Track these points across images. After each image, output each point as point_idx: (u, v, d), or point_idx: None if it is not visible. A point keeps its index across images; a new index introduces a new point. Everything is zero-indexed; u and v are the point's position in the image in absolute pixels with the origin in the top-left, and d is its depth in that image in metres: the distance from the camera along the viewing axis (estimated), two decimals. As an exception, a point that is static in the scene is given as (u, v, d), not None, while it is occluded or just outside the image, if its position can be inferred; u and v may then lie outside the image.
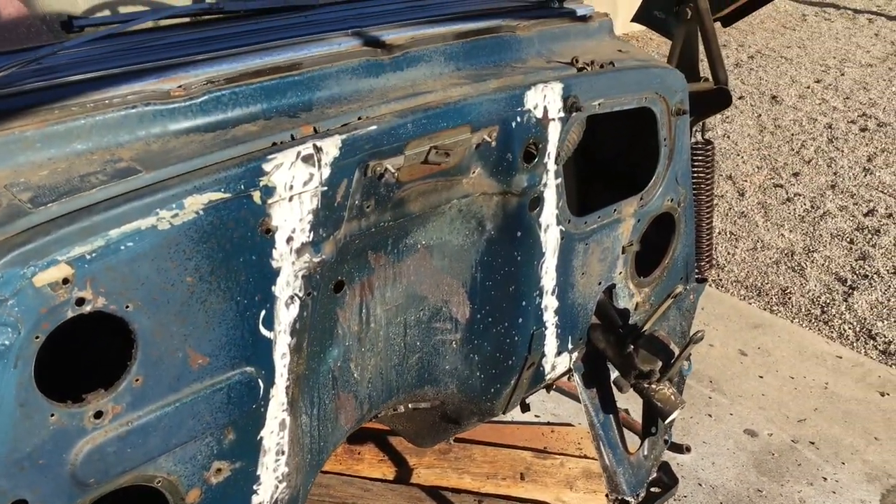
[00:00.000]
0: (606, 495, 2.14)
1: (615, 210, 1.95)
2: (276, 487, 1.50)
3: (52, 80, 1.26)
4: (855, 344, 4.08)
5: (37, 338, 1.08)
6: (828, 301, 4.40)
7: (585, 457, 3.06)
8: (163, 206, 1.15)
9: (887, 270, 4.67)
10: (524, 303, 1.85)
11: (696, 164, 2.17)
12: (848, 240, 4.99)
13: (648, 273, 2.17)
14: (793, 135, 6.51)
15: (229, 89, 1.33)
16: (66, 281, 1.08)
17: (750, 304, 4.39)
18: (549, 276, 1.86)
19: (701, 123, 2.23)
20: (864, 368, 3.87)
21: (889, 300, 4.40)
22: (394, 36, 1.62)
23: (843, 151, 6.20)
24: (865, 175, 5.83)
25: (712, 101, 2.09)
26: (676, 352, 1.93)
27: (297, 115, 1.37)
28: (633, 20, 2.33)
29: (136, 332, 1.18)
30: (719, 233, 5.08)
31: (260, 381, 1.38)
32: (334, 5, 1.74)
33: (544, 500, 2.93)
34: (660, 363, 1.96)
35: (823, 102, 7.25)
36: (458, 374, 1.90)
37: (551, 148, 1.70)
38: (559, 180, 1.77)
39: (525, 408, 2.57)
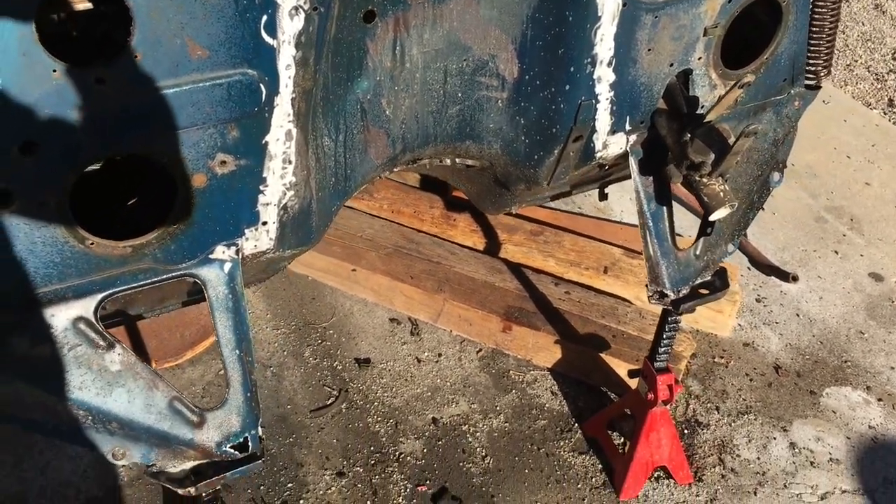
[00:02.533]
0: (646, 285, 2.13)
1: (699, -17, 1.80)
2: (284, 194, 1.63)
3: None
4: None
5: (33, -5, 1.22)
6: None
7: (676, 263, 3.00)
8: None
9: None
10: (572, 69, 1.79)
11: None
12: None
13: (741, 66, 2.01)
14: None
15: None
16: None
17: (932, 149, 3.94)
18: (604, 45, 1.78)
19: None
20: None
21: None
22: None
23: None
24: None
25: None
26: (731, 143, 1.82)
27: None
28: None
29: (132, 8, 1.29)
30: (927, 69, 4.49)
31: (262, 86, 1.47)
32: None
33: (623, 295, 2.96)
34: (712, 156, 1.86)
35: None
36: (503, 135, 1.90)
37: None
38: (625, -67, 1.65)
39: (603, 196, 2.54)
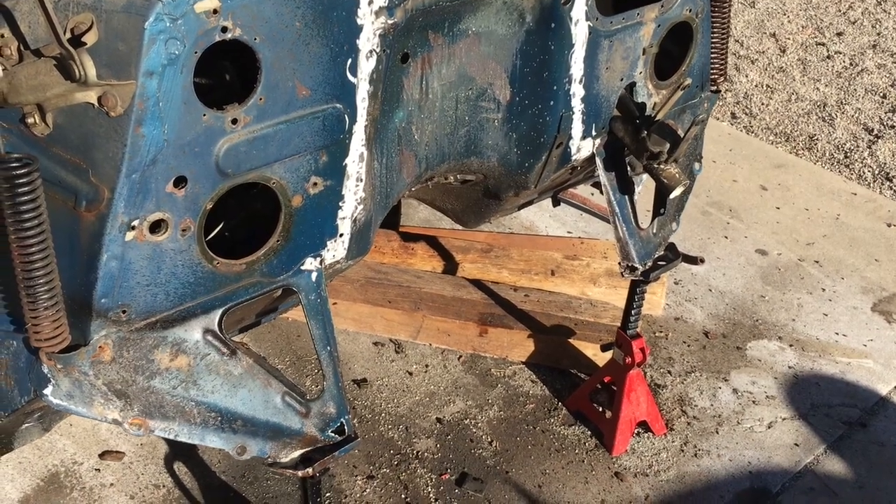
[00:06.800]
0: (619, 263, 2.58)
1: (638, 14, 2.29)
2: (356, 208, 1.95)
3: None
4: (872, 185, 4.40)
5: (196, 52, 1.50)
6: (852, 147, 4.69)
7: (609, 260, 3.50)
8: (281, -39, 1.55)
9: (914, 123, 4.91)
10: (555, 87, 2.23)
11: (714, -21, 2.49)
12: (881, 94, 5.21)
13: (666, 78, 2.52)
14: (842, -3, 6.59)
15: None
16: (215, 11, 1.49)
17: (777, 147, 4.71)
18: (577, 66, 2.23)
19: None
20: (875, 204, 4.20)
21: (911, 149, 4.68)
22: None
23: (889, 14, 6.29)
24: (909, 36, 5.95)
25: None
26: (682, 135, 2.31)
27: None
28: None
29: (261, 60, 1.60)
30: (756, 85, 5.32)
31: (346, 116, 1.80)
32: None
33: (571, 292, 3.41)
34: (668, 145, 2.34)
35: (879, -34, 7.24)
36: (499, 149, 2.30)
37: (583, -51, 2.04)
38: (589, -20, 2.12)
39: (556, 202, 2.99)
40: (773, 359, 3.26)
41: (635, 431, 2.90)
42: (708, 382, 3.14)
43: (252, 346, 3.15)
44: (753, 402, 3.07)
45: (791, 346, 3.33)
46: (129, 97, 1.45)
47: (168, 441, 2.76)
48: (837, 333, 3.39)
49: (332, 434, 1.98)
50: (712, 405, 3.05)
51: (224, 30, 1.53)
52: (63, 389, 1.63)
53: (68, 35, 1.40)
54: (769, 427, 2.98)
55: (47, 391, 1.63)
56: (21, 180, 1.40)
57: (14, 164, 1.40)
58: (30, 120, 1.46)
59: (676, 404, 3.04)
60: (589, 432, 2.91)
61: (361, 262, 3.40)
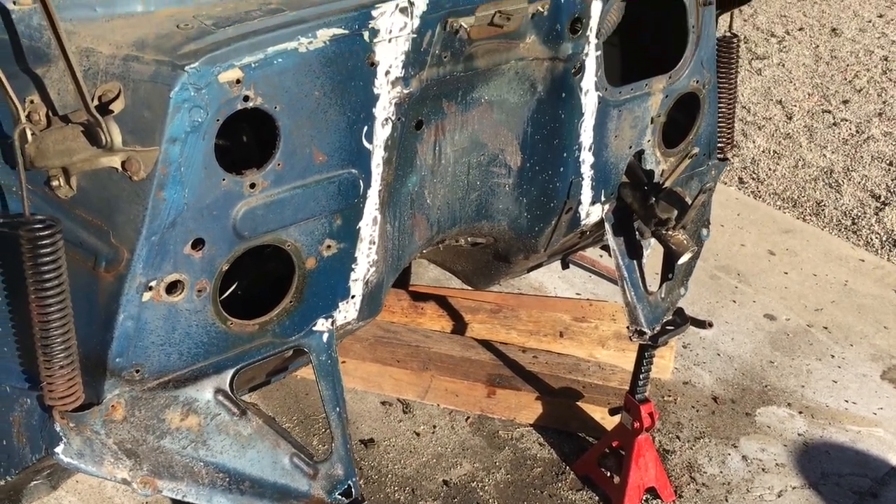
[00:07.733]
0: (627, 327, 2.59)
1: (646, 84, 2.35)
2: (368, 270, 1.98)
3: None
4: (880, 251, 4.41)
5: (218, 120, 1.55)
6: (859, 214, 4.72)
7: (617, 323, 3.51)
8: (302, 34, 1.60)
9: (921, 190, 4.95)
10: (565, 154, 2.27)
11: (721, 53, 2.55)
12: (888, 162, 5.26)
13: (674, 146, 2.57)
14: (848, 65, 6.69)
15: None
16: (238, 81, 1.55)
17: (784, 213, 4.74)
18: (587, 134, 2.28)
19: (730, 17, 2.60)
20: (884, 271, 4.21)
21: (919, 216, 4.70)
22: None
23: (895, 82, 6.38)
24: (914, 105, 6.03)
25: (736, -5, 2.46)
26: (690, 202, 2.35)
27: None
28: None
29: (280, 128, 1.65)
30: (763, 151, 5.39)
31: (361, 181, 1.84)
32: None
33: (579, 355, 3.41)
34: (676, 212, 2.37)
35: (883, 36, 7.36)
36: (509, 213, 2.34)
37: (593, 23, 2.10)
38: (599, 52, 2.18)
39: (565, 265, 3.02)
40: (782, 426, 3.24)
41: (644, 498, 2.87)
42: (717, 448, 3.12)
43: (261, 404, 3.15)
44: (763, 469, 3.05)
45: (801, 412, 3.31)
46: (152, 162, 1.49)
47: (174, 500, 2.74)
48: (847, 401, 3.37)
49: (339, 497, 1.97)
50: (721, 472, 3.02)
51: (246, 99, 1.58)
52: (74, 448, 1.64)
53: (96, 102, 1.45)
54: (779, 496, 2.94)
55: (59, 449, 1.64)
56: (44, 241, 1.44)
57: (38, 227, 1.44)
58: (54, 183, 1.50)
59: (685, 470, 3.02)
60: (597, 497, 2.88)
61: (372, 323, 3.42)
